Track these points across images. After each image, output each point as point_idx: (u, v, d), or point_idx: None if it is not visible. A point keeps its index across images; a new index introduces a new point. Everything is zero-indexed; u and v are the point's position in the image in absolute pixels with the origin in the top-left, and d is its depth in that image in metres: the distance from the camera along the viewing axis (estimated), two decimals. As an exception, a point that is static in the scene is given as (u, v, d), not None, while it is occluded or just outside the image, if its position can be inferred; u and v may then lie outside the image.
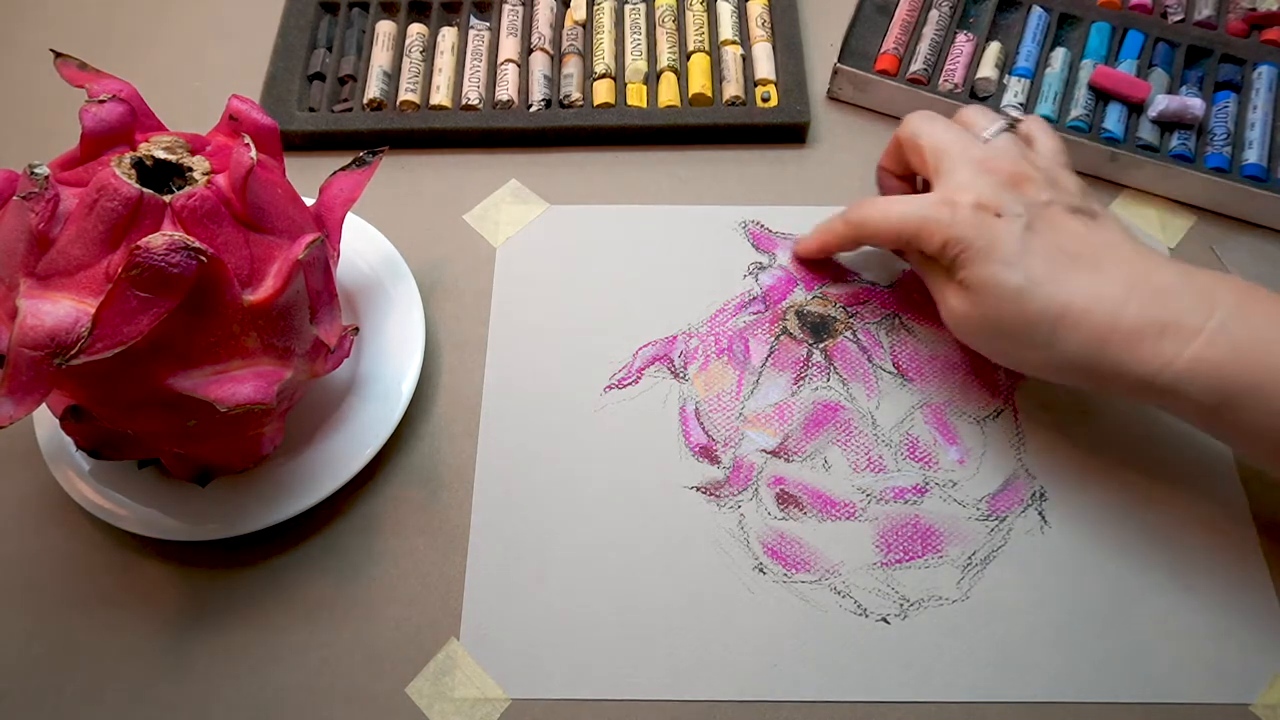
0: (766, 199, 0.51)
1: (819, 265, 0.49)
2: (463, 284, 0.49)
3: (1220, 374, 0.35)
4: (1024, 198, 0.39)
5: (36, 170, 0.32)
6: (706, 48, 0.55)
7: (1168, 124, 0.51)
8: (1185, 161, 0.50)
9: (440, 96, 0.54)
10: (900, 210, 0.41)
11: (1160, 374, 0.36)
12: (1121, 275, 0.37)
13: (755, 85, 0.54)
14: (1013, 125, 0.43)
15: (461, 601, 0.40)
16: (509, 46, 0.55)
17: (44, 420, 0.42)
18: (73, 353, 0.30)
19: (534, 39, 0.56)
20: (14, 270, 0.32)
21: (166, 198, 0.33)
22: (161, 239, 0.30)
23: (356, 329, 0.42)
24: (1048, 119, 0.52)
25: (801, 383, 0.45)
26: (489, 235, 0.50)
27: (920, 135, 0.42)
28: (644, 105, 0.54)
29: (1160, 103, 0.51)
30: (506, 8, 0.57)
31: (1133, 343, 0.36)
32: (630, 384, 0.45)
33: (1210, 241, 0.50)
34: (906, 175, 0.46)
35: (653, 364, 0.46)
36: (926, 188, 0.43)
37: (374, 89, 0.53)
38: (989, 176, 0.40)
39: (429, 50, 0.56)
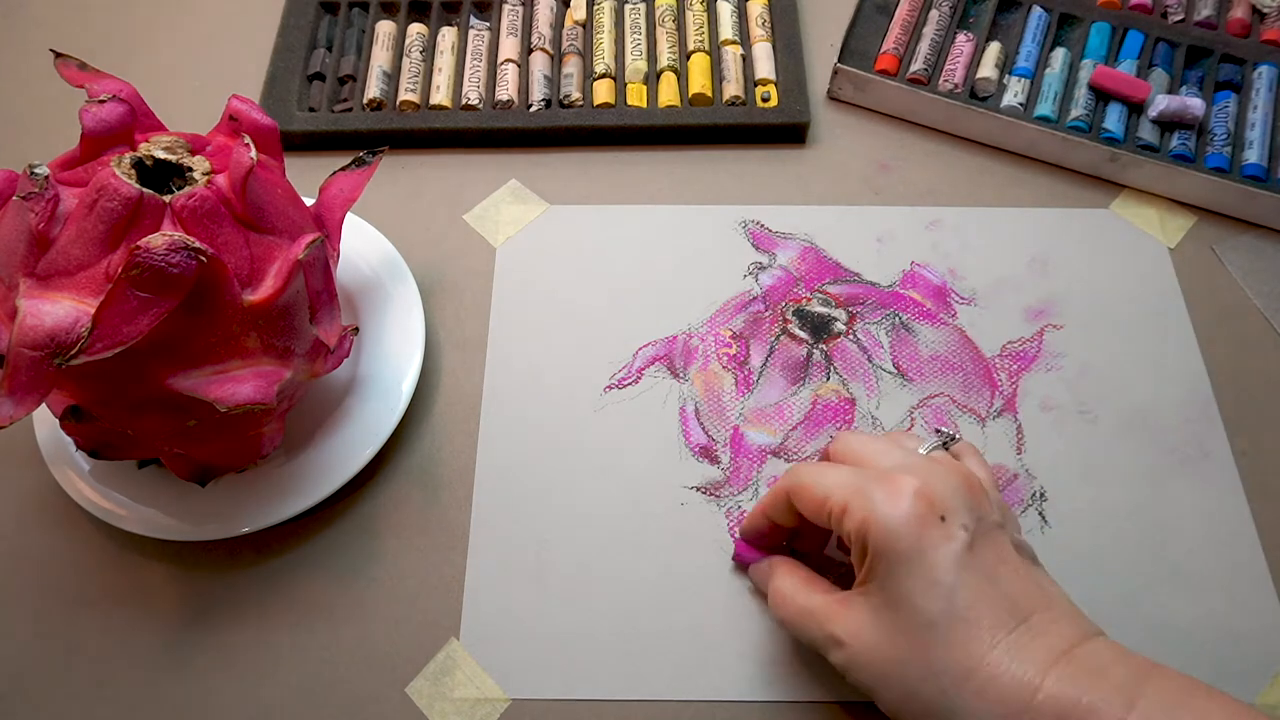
0: (766, 199, 0.51)
1: (819, 265, 0.49)
2: (463, 284, 0.49)
3: None
4: (975, 509, 0.32)
5: (36, 170, 0.32)
6: (706, 48, 0.55)
7: (1168, 124, 0.51)
8: (1185, 161, 0.50)
9: (440, 96, 0.54)
10: (837, 478, 0.33)
11: None
12: (1051, 640, 0.30)
13: (755, 85, 0.54)
14: (948, 442, 0.36)
15: (461, 601, 0.40)
16: (509, 46, 0.55)
17: (44, 420, 0.42)
18: (73, 353, 0.30)
19: (534, 39, 0.56)
20: (14, 270, 0.32)
21: (166, 198, 0.33)
22: (161, 239, 0.30)
23: (356, 329, 0.42)
24: (1047, 119, 0.52)
25: (801, 383, 0.45)
26: (489, 235, 0.50)
27: (806, 478, 0.34)
28: (644, 105, 0.54)
29: (1160, 103, 0.51)
30: (506, 8, 0.57)
31: None
32: (630, 384, 0.45)
33: (1210, 241, 0.50)
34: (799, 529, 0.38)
35: (653, 364, 0.46)
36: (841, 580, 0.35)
37: (374, 89, 0.53)
38: (941, 469, 0.33)
39: (429, 50, 0.56)
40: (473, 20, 0.57)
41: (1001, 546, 0.32)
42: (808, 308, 0.48)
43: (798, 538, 0.39)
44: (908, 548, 0.31)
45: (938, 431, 0.37)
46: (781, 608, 0.36)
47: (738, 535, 0.41)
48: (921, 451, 0.35)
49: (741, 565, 0.40)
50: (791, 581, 0.36)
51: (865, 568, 0.32)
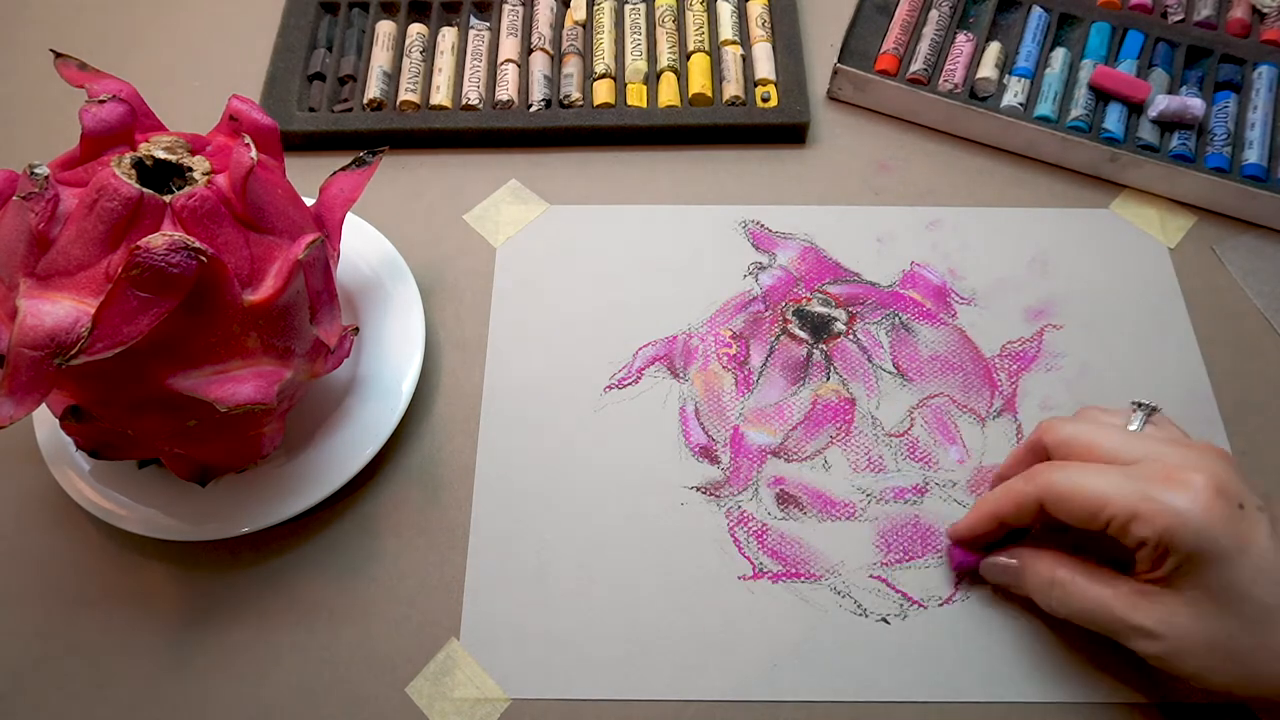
0: (766, 199, 0.51)
1: (819, 265, 0.49)
2: (463, 284, 0.49)
3: None
4: (1249, 484, 0.32)
5: (36, 170, 0.32)
6: (706, 48, 0.55)
7: (1168, 124, 0.51)
8: (1185, 161, 0.50)
9: (440, 96, 0.54)
10: (1108, 482, 0.32)
11: None
12: None
13: (755, 85, 0.54)
14: (1151, 412, 0.36)
15: (461, 601, 0.40)
16: (509, 46, 0.55)
17: (44, 420, 0.42)
18: (73, 353, 0.30)
19: (534, 39, 0.56)
20: (14, 270, 0.32)
21: (166, 198, 0.33)
22: (161, 239, 0.30)
23: (356, 329, 0.42)
24: (1047, 119, 0.52)
25: (801, 383, 0.45)
26: (489, 235, 0.50)
27: (1069, 485, 0.33)
28: (644, 105, 0.54)
29: (1160, 103, 0.51)
30: (506, 8, 0.57)
31: None
32: (630, 384, 0.45)
33: (1210, 241, 0.50)
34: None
35: (653, 364, 0.46)
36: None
37: (374, 89, 0.53)
38: (1205, 454, 0.33)
39: (429, 50, 0.56)
40: (473, 20, 0.57)
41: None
42: (808, 308, 0.48)
43: (1014, 532, 0.38)
44: (1226, 546, 0.31)
45: (1139, 405, 0.36)
46: (1066, 599, 0.35)
47: (947, 540, 0.40)
48: (1133, 429, 0.35)
49: (964, 569, 0.40)
50: (1067, 573, 0.35)
51: (1164, 569, 0.32)
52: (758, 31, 0.56)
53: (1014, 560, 0.38)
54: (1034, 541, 0.38)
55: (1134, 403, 0.37)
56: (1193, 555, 0.31)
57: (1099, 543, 0.34)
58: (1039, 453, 0.37)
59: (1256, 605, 0.31)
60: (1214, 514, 0.31)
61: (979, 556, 0.39)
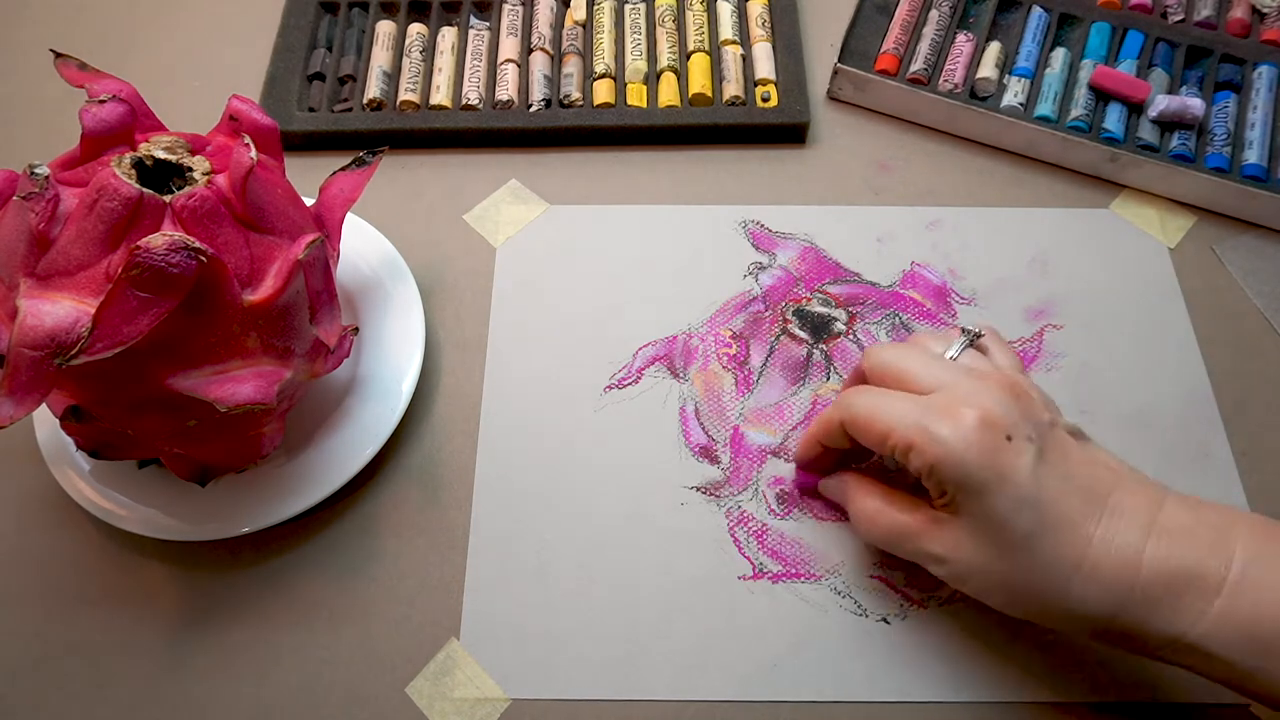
0: (766, 199, 0.51)
1: (819, 265, 0.49)
2: (463, 284, 0.49)
3: (1254, 629, 0.30)
4: (1030, 416, 0.33)
5: (36, 170, 0.32)
6: (706, 48, 0.55)
7: (1168, 124, 0.51)
8: (1185, 161, 0.50)
9: (440, 96, 0.54)
10: (894, 411, 0.34)
11: (1186, 634, 0.31)
12: (1134, 516, 0.32)
13: (755, 85, 0.54)
14: (974, 339, 0.37)
15: (461, 601, 0.40)
16: (509, 46, 0.55)
17: (44, 420, 0.42)
18: (73, 353, 0.30)
19: (534, 39, 0.56)
20: (14, 270, 0.32)
21: (166, 198, 0.33)
22: (161, 239, 0.30)
23: (356, 329, 0.42)
24: (1047, 119, 0.52)
25: (801, 383, 0.45)
26: (489, 235, 0.50)
27: (861, 409, 0.35)
28: (644, 105, 0.54)
29: (1160, 103, 0.51)
30: (506, 8, 0.57)
31: (1154, 597, 0.31)
32: (630, 384, 0.45)
33: (1210, 241, 0.50)
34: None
35: (653, 364, 0.46)
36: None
37: (374, 89, 0.53)
38: (989, 385, 0.34)
39: (429, 50, 0.56)
40: (473, 20, 0.57)
41: (1063, 442, 0.34)
42: (808, 308, 0.48)
43: (849, 454, 0.40)
44: (987, 477, 0.32)
45: (963, 330, 0.37)
46: (870, 528, 0.37)
47: (791, 460, 0.43)
48: (953, 354, 0.36)
49: (807, 490, 0.42)
50: (875, 502, 0.37)
51: (947, 498, 0.33)
52: (758, 31, 0.56)
53: (838, 479, 0.40)
54: (860, 468, 0.40)
55: (961, 328, 0.38)
56: (959, 485, 0.32)
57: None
58: (862, 378, 0.38)
59: (1017, 532, 0.32)
60: (976, 447, 0.32)
61: (817, 478, 0.41)
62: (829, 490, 0.41)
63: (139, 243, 0.30)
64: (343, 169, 0.41)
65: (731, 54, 0.55)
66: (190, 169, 0.35)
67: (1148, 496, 0.33)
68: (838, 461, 0.40)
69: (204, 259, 0.31)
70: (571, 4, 0.57)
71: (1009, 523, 0.32)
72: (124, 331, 0.30)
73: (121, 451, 0.38)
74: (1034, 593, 0.33)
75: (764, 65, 0.54)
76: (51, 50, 0.37)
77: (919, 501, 0.36)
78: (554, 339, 0.47)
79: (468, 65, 0.55)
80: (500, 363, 0.46)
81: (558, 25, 0.57)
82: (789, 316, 0.47)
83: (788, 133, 0.53)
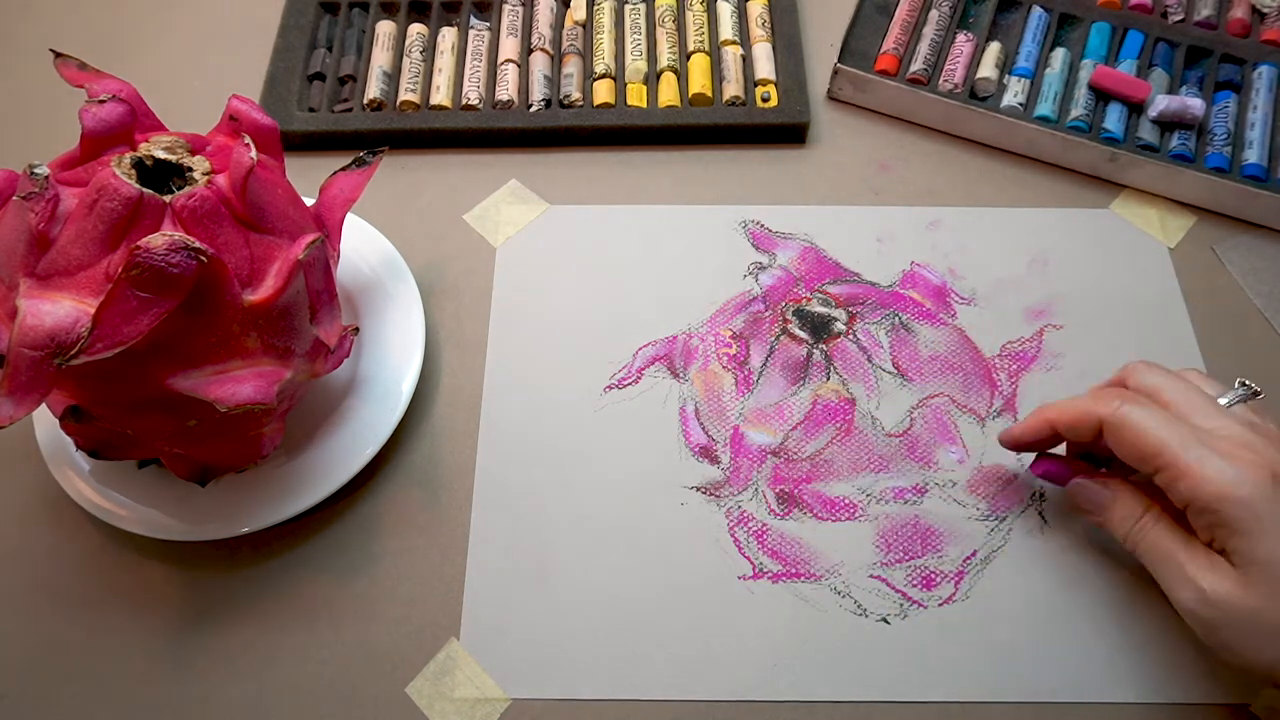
0: (766, 199, 0.51)
1: (819, 265, 0.49)
2: (463, 284, 0.49)
3: None
4: None
5: (36, 170, 0.32)
6: (706, 48, 0.55)
7: (1168, 124, 0.51)
8: (1185, 161, 0.50)
9: (440, 96, 0.54)
10: (1175, 435, 0.33)
11: None
12: None
13: (755, 85, 0.54)
14: (1252, 395, 0.36)
15: (461, 601, 0.40)
16: (509, 46, 0.55)
17: (44, 420, 0.42)
18: (73, 353, 0.30)
19: (534, 39, 0.56)
20: (14, 270, 0.32)
21: (166, 198, 0.33)
22: (161, 239, 0.30)
23: (356, 329, 0.42)
24: (1047, 119, 0.52)
25: (801, 383, 0.45)
26: (489, 235, 0.50)
27: (1136, 420, 0.34)
28: (644, 105, 0.54)
29: (1160, 103, 0.51)
30: (506, 8, 0.57)
31: None
32: (630, 384, 0.45)
33: (1210, 241, 0.50)
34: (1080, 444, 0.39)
35: (653, 364, 0.46)
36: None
37: (374, 89, 0.53)
38: (1271, 443, 0.33)
39: (429, 50, 0.56)
40: (473, 20, 0.57)
41: None
42: (808, 308, 0.48)
43: (1075, 450, 0.39)
44: (1268, 525, 0.31)
45: (1243, 384, 0.37)
46: (1145, 540, 0.36)
47: (1001, 438, 0.41)
48: (1223, 403, 0.36)
49: (1053, 476, 0.40)
50: (1160, 520, 0.35)
51: (1211, 535, 0.33)
52: (758, 31, 0.56)
53: (1108, 490, 0.38)
54: (1124, 478, 0.38)
55: (1240, 380, 0.37)
56: (1242, 528, 0.32)
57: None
58: (1121, 388, 0.38)
59: None
60: (1262, 490, 0.31)
61: (1069, 472, 0.39)
62: (1082, 494, 0.39)
63: (139, 243, 0.30)
64: (343, 169, 0.41)
65: (731, 54, 0.55)
66: (190, 169, 0.35)
67: None
68: (1052, 447, 0.40)
69: (204, 259, 0.31)
70: (571, 4, 0.57)
71: None
72: (124, 331, 0.30)
73: (121, 451, 0.38)
74: None
75: (764, 65, 0.54)
76: (51, 50, 0.37)
77: (1193, 535, 0.35)
78: (554, 339, 0.47)
79: (468, 65, 0.55)
80: (500, 363, 0.46)
81: (558, 25, 0.57)
82: (789, 316, 0.47)
83: (788, 133, 0.53)
